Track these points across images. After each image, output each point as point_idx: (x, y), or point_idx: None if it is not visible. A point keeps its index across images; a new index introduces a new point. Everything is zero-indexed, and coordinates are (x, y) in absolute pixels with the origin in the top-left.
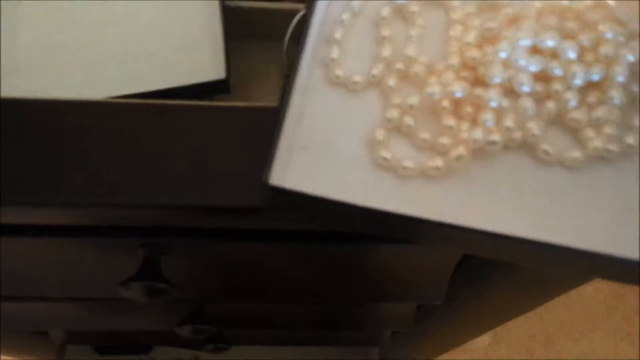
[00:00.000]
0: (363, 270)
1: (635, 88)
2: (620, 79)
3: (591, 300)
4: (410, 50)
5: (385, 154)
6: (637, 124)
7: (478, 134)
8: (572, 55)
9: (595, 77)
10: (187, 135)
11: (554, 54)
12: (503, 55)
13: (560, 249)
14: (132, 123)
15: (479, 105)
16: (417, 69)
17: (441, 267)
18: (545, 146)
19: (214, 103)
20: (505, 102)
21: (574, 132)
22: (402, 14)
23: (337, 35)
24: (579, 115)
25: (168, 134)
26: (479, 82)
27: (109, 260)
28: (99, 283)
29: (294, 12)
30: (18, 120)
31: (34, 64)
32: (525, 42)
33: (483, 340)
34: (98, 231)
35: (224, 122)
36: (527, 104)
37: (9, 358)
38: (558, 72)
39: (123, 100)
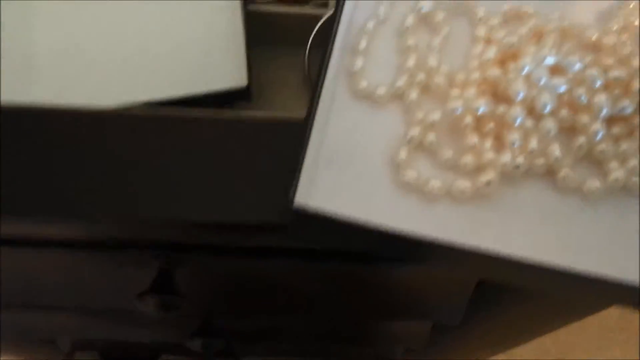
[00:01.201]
0: (381, 288)
1: None
2: None
3: (606, 315)
4: (432, 61)
5: (409, 174)
6: None
7: (506, 157)
8: (598, 82)
9: (628, 110)
10: (207, 148)
11: (578, 78)
12: (526, 71)
13: (581, 277)
14: (149, 135)
15: (502, 123)
16: (439, 80)
17: (460, 288)
18: (565, 172)
19: (236, 114)
20: (529, 122)
21: (598, 162)
22: (427, 23)
23: (362, 44)
24: (604, 147)
25: (187, 147)
26: (501, 98)
27: (123, 272)
28: (111, 294)
29: (316, 17)
30: (29, 129)
31: (48, 70)
32: (549, 60)
33: (495, 355)
34: (113, 243)
35: (245, 135)
36: (550, 124)
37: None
38: (584, 98)
39: (140, 111)
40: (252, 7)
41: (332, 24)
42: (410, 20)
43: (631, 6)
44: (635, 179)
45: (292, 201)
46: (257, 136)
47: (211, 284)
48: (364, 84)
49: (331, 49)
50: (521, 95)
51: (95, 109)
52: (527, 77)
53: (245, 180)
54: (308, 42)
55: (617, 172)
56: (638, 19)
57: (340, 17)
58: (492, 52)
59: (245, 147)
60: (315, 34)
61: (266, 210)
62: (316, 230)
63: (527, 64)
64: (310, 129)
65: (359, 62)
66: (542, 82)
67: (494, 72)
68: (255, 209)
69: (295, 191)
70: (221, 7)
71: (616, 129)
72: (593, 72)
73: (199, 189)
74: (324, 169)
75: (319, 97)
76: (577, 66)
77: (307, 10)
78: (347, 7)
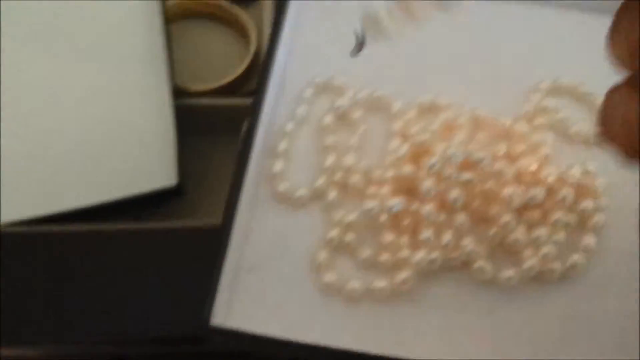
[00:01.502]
0: None
1: (583, 205)
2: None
3: None
4: (350, 159)
5: (328, 277)
6: (585, 243)
7: (421, 253)
8: (508, 174)
9: (538, 198)
10: (126, 263)
11: (487, 171)
12: (436, 167)
13: None
14: (61, 252)
15: (417, 219)
16: (355, 179)
17: None
18: (479, 263)
19: (155, 225)
20: (442, 217)
21: (512, 251)
22: (345, 121)
23: (282, 146)
24: (517, 235)
25: (103, 262)
26: (415, 194)
27: None
28: None
29: (246, 107)
30: None
31: None
32: (459, 157)
33: None
34: None
35: (166, 245)
36: (461, 218)
37: None
38: (494, 190)
39: (51, 228)
40: (182, 101)
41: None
42: (328, 119)
43: (543, 87)
44: (550, 265)
45: (207, 321)
46: (182, 245)
47: None
48: (284, 186)
49: (248, 152)
50: (432, 192)
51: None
52: (438, 173)
53: (165, 294)
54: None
55: (530, 260)
56: (550, 102)
57: (258, 119)
58: (405, 149)
59: (166, 259)
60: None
61: (186, 324)
62: (237, 342)
63: (437, 161)
64: (227, 240)
65: (278, 165)
66: (453, 177)
67: (407, 169)
68: (176, 323)
69: (210, 310)
70: (148, 104)
71: (528, 217)
72: (502, 164)
73: (117, 305)
74: (244, 275)
75: (234, 205)
76: (486, 161)
77: (237, 101)
78: (267, 108)
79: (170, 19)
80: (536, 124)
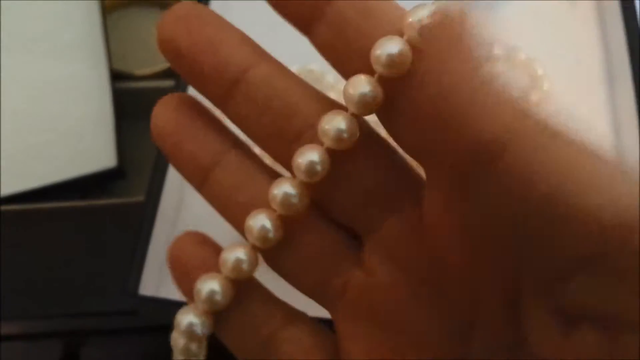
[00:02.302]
0: None
1: None
2: None
3: None
4: None
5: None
6: None
7: None
8: None
9: None
10: (62, 239)
11: None
12: None
13: None
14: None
15: None
16: None
17: None
18: None
19: (86, 203)
20: None
21: None
22: None
23: None
24: None
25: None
26: None
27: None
28: None
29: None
30: None
31: None
32: None
33: None
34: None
35: (101, 221)
36: None
37: None
38: None
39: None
40: (120, 84)
41: None
42: None
43: None
44: None
45: (134, 292)
46: (115, 219)
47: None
48: None
49: None
50: None
51: None
52: None
53: (94, 268)
54: None
55: None
56: None
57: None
58: None
59: (99, 233)
60: None
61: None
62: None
63: None
64: (154, 212)
65: None
66: None
67: None
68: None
69: (137, 282)
70: (88, 89)
71: None
72: None
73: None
74: None
75: (159, 180)
76: None
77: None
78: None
79: (114, 6)
80: None
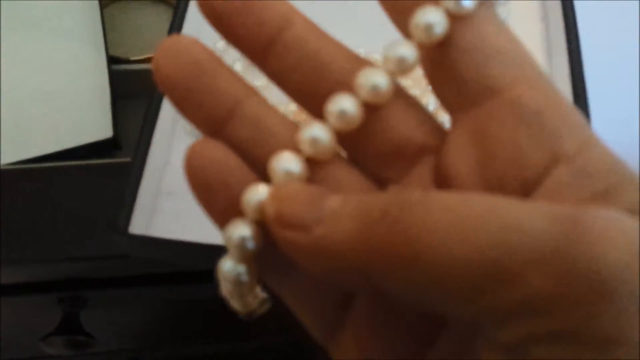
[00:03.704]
0: None
1: None
2: None
3: None
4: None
5: None
6: None
7: None
8: None
9: None
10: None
11: None
12: None
13: None
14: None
15: None
16: None
17: None
18: None
19: (84, 162)
20: None
21: None
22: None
23: None
24: None
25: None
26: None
27: (29, 319)
28: (20, 343)
29: None
30: None
31: None
32: None
33: None
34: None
35: (96, 177)
36: None
37: None
38: None
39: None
40: (117, 66)
41: None
42: (237, 66)
43: None
44: None
45: (123, 231)
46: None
47: (117, 319)
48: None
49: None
50: None
51: None
52: None
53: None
54: None
55: None
56: None
57: None
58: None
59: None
60: None
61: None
62: (159, 256)
63: None
64: (142, 164)
65: None
66: None
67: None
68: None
69: (127, 221)
70: (87, 69)
71: None
72: None
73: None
74: (165, 197)
75: (150, 133)
76: None
77: None
78: None
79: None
80: None
